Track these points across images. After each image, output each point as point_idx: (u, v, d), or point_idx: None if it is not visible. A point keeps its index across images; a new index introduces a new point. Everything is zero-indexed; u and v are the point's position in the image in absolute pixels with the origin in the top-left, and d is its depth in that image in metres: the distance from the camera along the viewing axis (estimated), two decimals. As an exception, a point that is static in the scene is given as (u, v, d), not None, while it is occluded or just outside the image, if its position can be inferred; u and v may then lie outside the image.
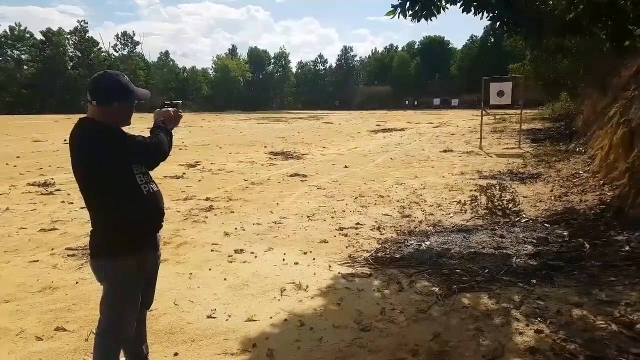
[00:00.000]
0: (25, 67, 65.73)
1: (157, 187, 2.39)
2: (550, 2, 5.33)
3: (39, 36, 67.10)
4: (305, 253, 4.85)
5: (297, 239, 5.39)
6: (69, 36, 69.40)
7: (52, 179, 9.41)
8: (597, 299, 3.50)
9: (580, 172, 8.64)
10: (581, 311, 3.31)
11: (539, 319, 3.21)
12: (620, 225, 5.14)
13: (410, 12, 5.31)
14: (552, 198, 7.04)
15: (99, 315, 2.34)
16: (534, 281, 3.87)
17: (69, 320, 3.36)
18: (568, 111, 22.58)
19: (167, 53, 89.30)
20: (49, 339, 3.11)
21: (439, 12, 5.45)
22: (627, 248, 4.48)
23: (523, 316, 3.27)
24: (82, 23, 70.80)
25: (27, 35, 66.57)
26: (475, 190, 7.67)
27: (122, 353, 2.47)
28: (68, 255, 4.80)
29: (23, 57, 66.24)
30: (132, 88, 2.26)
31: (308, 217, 6.38)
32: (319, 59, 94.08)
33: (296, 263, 4.54)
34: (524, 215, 6.04)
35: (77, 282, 4.06)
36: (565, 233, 5.15)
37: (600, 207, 6.04)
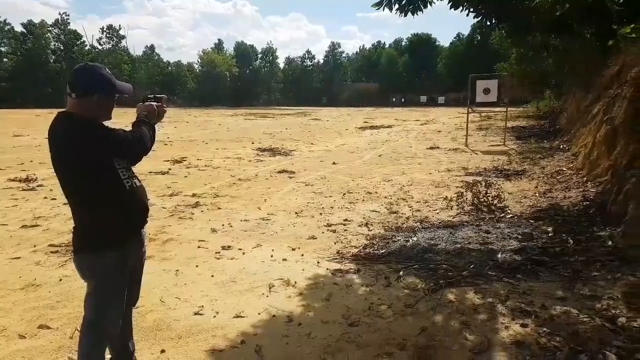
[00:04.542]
0: (5, 59, 64.23)
1: (140, 182, 2.35)
2: (537, 0, 5.38)
3: (19, 28, 65.74)
4: (293, 249, 4.84)
5: (285, 235, 5.37)
6: (51, 29, 68.03)
7: (34, 174, 9.24)
8: (580, 294, 3.56)
9: (564, 169, 8.77)
10: (565, 305, 3.37)
11: (524, 313, 3.26)
12: (603, 221, 5.23)
13: (397, 5, 5.28)
14: (537, 194, 7.13)
15: (83, 313, 2.30)
16: (519, 276, 3.93)
17: (52, 317, 3.31)
18: (552, 109, 22.95)
19: (152, 47, 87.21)
20: (32, 337, 3.05)
21: (425, 7, 5.43)
22: (609, 243, 4.56)
23: (508, 310, 3.32)
24: (64, 15, 69.63)
25: (7, 27, 65.10)
26: (461, 187, 7.74)
27: (107, 350, 2.44)
28: (51, 252, 4.72)
29: (3, 49, 64.70)
30: (114, 81, 2.20)
31: (296, 213, 6.37)
32: (306, 55, 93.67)
33: (284, 259, 4.53)
34: (509, 211, 6.11)
35: (60, 279, 4.00)
36: (550, 229, 5.22)
37: (583, 203, 6.14)
